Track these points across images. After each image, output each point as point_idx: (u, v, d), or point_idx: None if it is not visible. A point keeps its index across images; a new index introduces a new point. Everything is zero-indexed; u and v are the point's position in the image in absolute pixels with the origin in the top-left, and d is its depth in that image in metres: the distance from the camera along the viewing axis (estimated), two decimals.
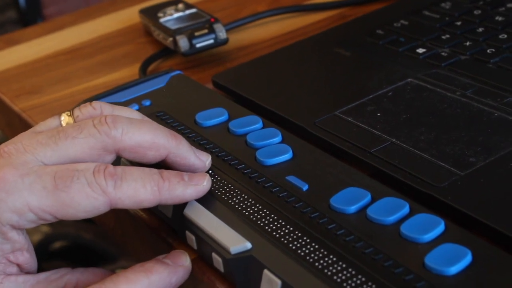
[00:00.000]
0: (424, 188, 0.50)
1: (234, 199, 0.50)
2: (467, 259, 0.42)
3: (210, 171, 0.53)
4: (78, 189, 0.46)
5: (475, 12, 0.72)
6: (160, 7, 0.83)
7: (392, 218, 0.46)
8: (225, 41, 0.76)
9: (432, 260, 0.42)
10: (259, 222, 0.48)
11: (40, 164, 0.48)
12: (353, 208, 0.47)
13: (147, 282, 0.47)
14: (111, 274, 0.49)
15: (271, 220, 0.48)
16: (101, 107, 0.52)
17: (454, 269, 0.41)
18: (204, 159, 0.52)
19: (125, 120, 0.50)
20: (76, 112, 0.52)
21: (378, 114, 0.59)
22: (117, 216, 0.59)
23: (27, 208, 0.46)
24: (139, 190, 0.47)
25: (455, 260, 0.42)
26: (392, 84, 0.63)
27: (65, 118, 0.52)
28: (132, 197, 0.47)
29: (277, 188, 0.50)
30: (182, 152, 0.51)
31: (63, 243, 1.39)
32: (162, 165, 0.51)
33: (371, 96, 0.61)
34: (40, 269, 1.18)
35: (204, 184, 0.50)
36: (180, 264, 0.49)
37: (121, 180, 0.47)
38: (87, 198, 0.46)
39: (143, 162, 0.50)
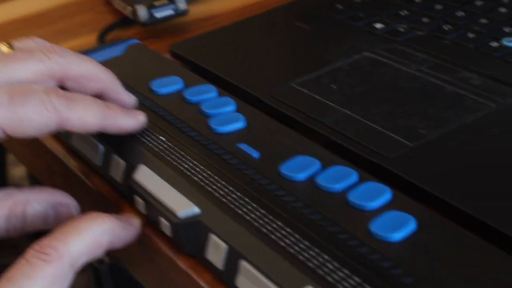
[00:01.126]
0: (374, 158, 0.50)
1: (185, 165, 0.50)
2: (411, 226, 0.42)
3: (162, 137, 0.53)
4: (33, 105, 0.47)
5: None
6: None
7: (340, 186, 0.46)
8: (185, 12, 0.76)
9: (377, 226, 0.42)
10: (208, 188, 0.48)
11: None
12: (302, 176, 0.47)
13: (98, 232, 0.47)
14: (60, 193, 0.51)
15: (220, 186, 0.48)
16: (43, 43, 0.54)
17: (398, 236, 0.42)
18: (132, 97, 0.55)
19: (72, 52, 0.52)
20: (17, 43, 0.53)
21: (333, 87, 0.59)
22: (69, 182, 0.59)
23: None
24: (87, 113, 0.49)
25: (399, 227, 0.42)
26: (349, 57, 0.63)
27: (3, 48, 0.53)
28: (80, 118, 0.49)
29: (228, 155, 0.50)
30: (117, 87, 0.54)
31: None
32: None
33: (327, 69, 0.62)
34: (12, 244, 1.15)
35: (141, 118, 0.53)
36: (130, 223, 0.49)
37: (72, 101, 0.49)
38: (40, 115, 0.47)
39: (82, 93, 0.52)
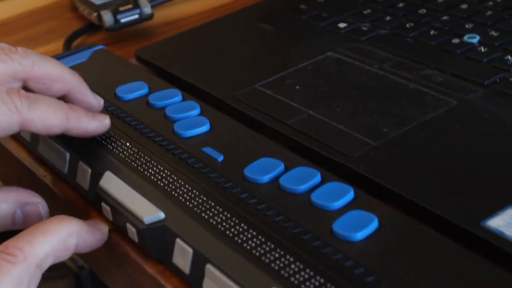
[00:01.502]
0: (337, 158, 0.51)
1: (150, 170, 0.51)
2: (374, 225, 0.43)
3: (128, 144, 0.53)
4: None
5: None
6: None
7: (303, 187, 0.46)
8: (150, 16, 0.76)
9: (339, 226, 0.43)
10: (173, 192, 0.48)
11: None
12: (266, 178, 0.48)
13: (65, 234, 0.47)
14: (27, 192, 0.52)
15: (185, 190, 0.48)
16: (6, 45, 0.54)
17: (360, 235, 0.42)
18: (99, 99, 0.55)
19: (35, 53, 0.52)
20: None
21: (297, 87, 0.59)
22: (37, 190, 0.59)
23: None
24: (50, 115, 0.50)
25: (361, 226, 0.43)
26: (312, 58, 0.63)
27: None
28: (43, 119, 0.49)
29: (193, 160, 0.51)
30: (83, 89, 0.54)
31: None
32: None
33: (291, 70, 0.62)
34: None
35: (106, 122, 0.54)
36: (98, 229, 0.50)
37: (34, 102, 0.49)
38: (2, 115, 0.48)
39: (47, 95, 0.52)
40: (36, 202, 0.52)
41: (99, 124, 0.53)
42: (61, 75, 0.53)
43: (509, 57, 0.59)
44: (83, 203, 0.54)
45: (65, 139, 0.56)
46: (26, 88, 0.52)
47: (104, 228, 0.50)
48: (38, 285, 0.46)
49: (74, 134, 0.52)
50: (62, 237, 0.47)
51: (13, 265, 0.44)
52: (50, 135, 0.54)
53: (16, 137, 0.62)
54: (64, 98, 0.53)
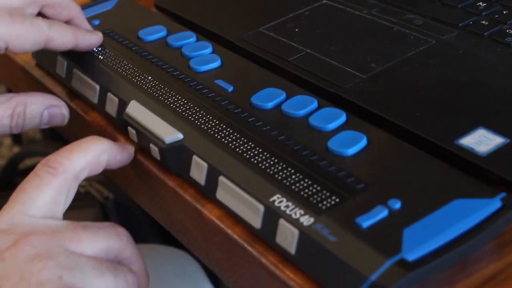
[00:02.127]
0: (332, 88, 0.52)
1: (169, 99, 0.51)
2: (363, 142, 0.44)
3: (150, 77, 0.54)
4: (28, 24, 0.52)
5: None
6: None
7: (302, 112, 0.47)
8: None
9: (333, 144, 0.44)
10: (190, 117, 0.49)
11: None
12: (270, 105, 0.49)
13: (98, 151, 0.48)
14: (52, 96, 0.55)
15: (200, 115, 0.49)
16: None
17: (351, 151, 0.43)
18: (92, 27, 0.61)
19: None
20: None
21: (296, 30, 0.60)
22: (71, 121, 0.60)
23: None
24: (65, 33, 0.55)
25: (352, 143, 0.44)
26: (309, 5, 0.64)
27: None
28: (60, 36, 0.54)
29: (207, 90, 0.51)
30: (83, 17, 0.59)
31: (33, 161, 1.39)
32: None
33: (291, 15, 0.62)
34: (13, 183, 1.18)
35: (100, 35, 0.59)
36: (125, 148, 0.51)
37: (53, 24, 0.54)
38: (33, 32, 0.53)
39: (56, 20, 0.57)
40: (60, 104, 0.55)
41: (98, 37, 0.58)
42: (68, 4, 0.57)
43: (480, 3, 0.59)
44: (112, 128, 0.55)
45: (95, 74, 0.57)
46: (40, 13, 0.56)
47: (131, 149, 0.51)
48: (67, 213, 0.47)
49: (82, 47, 0.57)
50: (96, 153, 0.48)
51: (53, 176, 0.46)
52: (64, 50, 0.57)
53: (53, 74, 0.62)
54: (68, 23, 0.57)
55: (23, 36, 0.52)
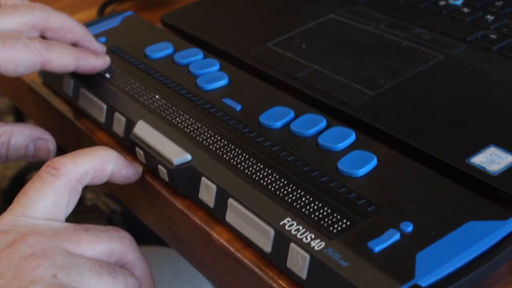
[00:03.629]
0: (340, 106, 0.51)
1: (177, 119, 0.51)
2: (373, 163, 0.43)
3: (157, 96, 0.54)
4: (20, 48, 0.51)
5: None
6: None
7: (311, 131, 0.47)
8: None
9: (343, 164, 0.43)
10: (198, 138, 0.49)
11: None
12: (278, 124, 0.48)
13: (104, 158, 0.48)
14: (40, 129, 0.55)
15: (208, 135, 0.49)
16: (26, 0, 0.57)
17: (361, 171, 0.43)
18: (102, 46, 0.59)
19: (51, 8, 0.56)
20: (3, 1, 0.56)
21: (304, 46, 0.59)
22: (78, 139, 0.60)
23: None
24: (64, 55, 0.53)
25: (362, 164, 0.43)
26: (316, 20, 0.63)
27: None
28: (59, 59, 0.53)
29: (214, 109, 0.51)
30: (89, 38, 0.57)
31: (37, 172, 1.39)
32: None
33: (298, 31, 0.62)
34: None
35: (107, 59, 0.57)
36: (133, 166, 0.50)
37: (51, 46, 0.53)
38: (26, 55, 0.52)
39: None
40: (46, 138, 0.55)
41: (102, 61, 0.57)
42: (72, 27, 0.56)
43: (489, 16, 0.59)
44: (119, 148, 0.54)
45: (102, 93, 0.56)
46: (43, 38, 0.55)
47: (139, 167, 0.51)
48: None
49: (83, 70, 0.55)
50: (101, 160, 0.47)
51: (56, 178, 0.45)
52: (64, 73, 0.56)
53: (59, 93, 0.62)
54: (74, 46, 0.56)
55: (14, 59, 0.51)
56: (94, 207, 1.16)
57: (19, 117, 1.64)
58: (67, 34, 0.56)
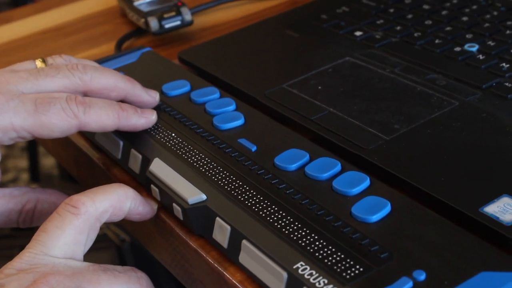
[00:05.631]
0: (355, 150, 0.52)
1: (193, 158, 0.51)
2: (387, 209, 0.44)
3: (173, 134, 0.54)
4: (54, 112, 0.50)
5: (406, 1, 0.74)
6: None
7: (326, 175, 0.47)
8: (190, 23, 0.77)
9: (357, 209, 0.44)
10: (213, 177, 0.49)
11: (20, 93, 0.51)
12: (293, 166, 0.49)
13: (122, 196, 0.48)
14: (65, 197, 0.53)
15: (224, 176, 0.49)
16: (70, 59, 0.56)
17: (375, 217, 0.43)
18: (153, 95, 0.57)
19: (93, 67, 0.54)
20: (50, 60, 0.55)
21: (319, 87, 0.60)
22: (93, 172, 0.61)
23: (11, 127, 0.49)
24: (103, 117, 0.52)
25: (376, 210, 0.43)
26: (333, 61, 0.64)
27: (38, 64, 0.55)
28: (97, 121, 0.51)
29: (230, 149, 0.51)
30: (137, 92, 0.56)
31: None
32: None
33: (314, 72, 0.63)
34: None
35: (153, 117, 0.55)
36: (149, 203, 0.51)
37: (89, 107, 0.51)
38: (61, 121, 0.50)
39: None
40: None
41: (146, 120, 0.54)
42: (116, 85, 0.54)
43: (504, 64, 0.59)
44: (134, 184, 0.55)
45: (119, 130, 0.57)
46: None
47: (154, 205, 0.51)
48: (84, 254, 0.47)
49: (124, 129, 0.54)
50: (120, 198, 0.48)
51: (75, 216, 0.46)
52: (104, 132, 0.56)
53: None
54: (122, 102, 0.55)
55: (47, 125, 0.50)
56: (104, 236, 1.16)
57: (31, 142, 1.65)
58: (111, 93, 0.54)
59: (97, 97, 0.53)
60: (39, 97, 0.50)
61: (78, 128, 0.51)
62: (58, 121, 0.50)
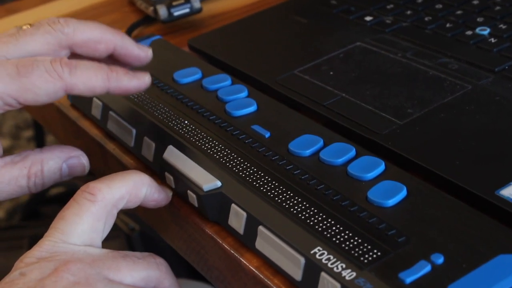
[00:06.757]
0: (369, 135, 0.52)
1: (207, 145, 0.51)
2: (403, 193, 0.44)
3: (186, 121, 0.54)
4: (38, 75, 0.47)
5: None
6: None
7: (340, 160, 0.47)
8: (199, 10, 0.77)
9: (373, 194, 0.44)
10: (228, 164, 0.49)
11: (3, 59, 0.49)
12: (308, 152, 0.49)
13: (139, 183, 0.48)
14: (68, 147, 0.52)
15: (238, 162, 0.49)
16: (53, 18, 0.53)
17: (391, 202, 0.43)
18: (145, 49, 0.54)
19: (75, 20, 0.52)
20: (36, 23, 0.53)
21: (331, 73, 0.60)
22: (106, 162, 0.61)
23: None
24: (91, 77, 0.49)
25: (392, 194, 0.43)
26: (343, 47, 0.64)
27: (24, 28, 0.53)
28: (85, 82, 0.48)
29: (243, 136, 0.51)
30: (127, 44, 0.53)
31: (59, 189, 1.40)
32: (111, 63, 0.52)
33: (325, 58, 0.63)
34: (40, 213, 1.17)
35: (146, 79, 0.51)
36: (164, 190, 0.51)
37: (75, 68, 0.48)
38: (45, 83, 0.48)
39: (94, 57, 0.52)
40: (77, 154, 0.53)
41: (138, 82, 0.51)
42: (102, 36, 0.52)
43: None
44: (148, 172, 0.54)
45: (131, 117, 0.57)
46: (74, 54, 0.52)
47: (169, 192, 0.51)
48: None
49: (116, 93, 0.50)
50: (136, 184, 0.48)
51: (92, 203, 0.46)
52: (94, 95, 0.53)
53: (88, 115, 0.62)
54: (112, 56, 0.53)
55: (31, 89, 0.47)
56: (113, 225, 1.17)
57: (39, 131, 1.65)
58: (99, 46, 0.52)
59: (84, 52, 0.52)
60: (22, 61, 0.48)
61: (65, 90, 0.48)
62: (42, 84, 0.47)
